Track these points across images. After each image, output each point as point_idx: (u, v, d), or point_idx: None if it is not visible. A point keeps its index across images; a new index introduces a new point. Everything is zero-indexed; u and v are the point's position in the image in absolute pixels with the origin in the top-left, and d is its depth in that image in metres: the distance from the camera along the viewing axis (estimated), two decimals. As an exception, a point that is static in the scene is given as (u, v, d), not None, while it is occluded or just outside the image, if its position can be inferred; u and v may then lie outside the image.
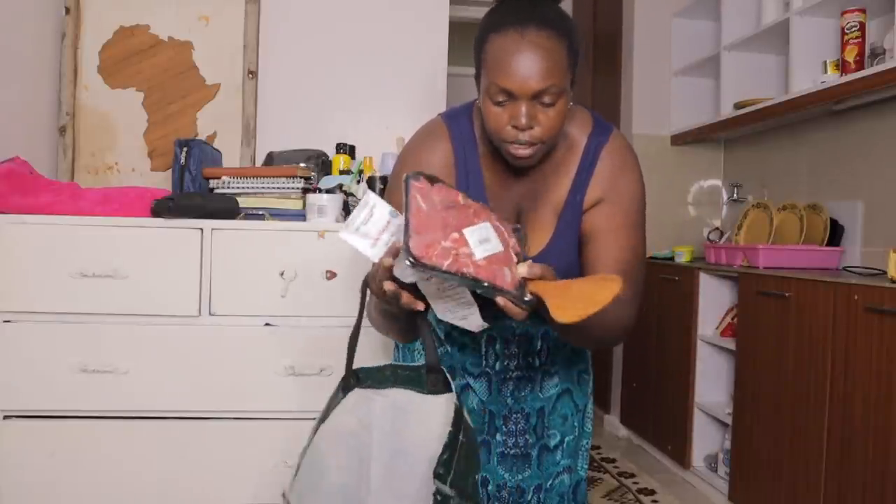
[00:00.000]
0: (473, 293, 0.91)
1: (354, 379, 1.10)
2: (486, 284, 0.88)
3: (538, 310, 0.92)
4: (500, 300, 0.90)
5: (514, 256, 0.93)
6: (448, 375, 1.07)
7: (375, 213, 0.91)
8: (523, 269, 0.92)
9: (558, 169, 1.17)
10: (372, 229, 0.93)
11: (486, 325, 0.95)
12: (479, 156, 1.18)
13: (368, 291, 1.06)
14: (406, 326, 1.07)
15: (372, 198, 0.90)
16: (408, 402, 1.06)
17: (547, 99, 1.02)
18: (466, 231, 0.92)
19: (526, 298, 0.90)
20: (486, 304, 0.94)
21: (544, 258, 1.15)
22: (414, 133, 1.24)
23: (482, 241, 0.92)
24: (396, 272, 0.91)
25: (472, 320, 0.95)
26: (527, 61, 1.01)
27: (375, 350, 1.71)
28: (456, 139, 1.17)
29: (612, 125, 1.20)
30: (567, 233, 1.17)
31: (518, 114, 1.03)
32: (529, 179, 1.17)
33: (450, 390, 1.05)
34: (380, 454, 1.02)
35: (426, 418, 1.04)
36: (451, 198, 0.95)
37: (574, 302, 0.86)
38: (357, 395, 1.08)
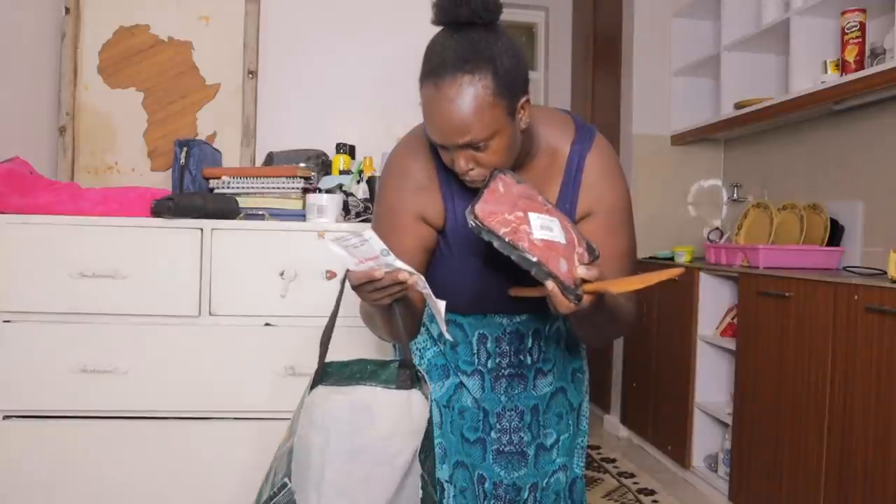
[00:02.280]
0: (527, 273, 0.96)
1: (323, 374, 1.09)
2: (534, 260, 0.93)
3: (582, 312, 0.97)
4: (549, 284, 0.94)
5: (575, 257, 0.98)
6: (419, 372, 1.09)
7: (367, 244, 0.93)
8: (582, 270, 0.96)
9: (544, 177, 1.18)
10: (358, 253, 0.95)
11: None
12: None
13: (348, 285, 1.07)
14: (390, 320, 1.10)
15: (368, 233, 0.92)
16: (370, 399, 1.05)
17: (479, 145, 1.03)
18: (531, 214, 0.98)
19: (578, 293, 0.94)
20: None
21: None
22: (400, 140, 1.25)
23: (544, 227, 0.97)
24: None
25: (441, 324, 1.04)
26: (444, 116, 1.01)
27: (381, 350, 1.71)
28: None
29: (593, 128, 1.21)
30: None
31: (455, 160, 1.05)
32: None
33: (418, 386, 1.07)
34: (334, 457, 1.00)
35: (389, 415, 1.04)
36: (529, 192, 1.01)
37: (638, 281, 0.96)
38: (318, 392, 1.07)
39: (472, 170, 1.05)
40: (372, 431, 1.02)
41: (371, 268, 0.95)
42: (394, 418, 1.03)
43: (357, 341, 1.68)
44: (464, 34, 1.03)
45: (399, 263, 0.95)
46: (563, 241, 0.98)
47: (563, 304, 0.94)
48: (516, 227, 0.96)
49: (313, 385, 1.09)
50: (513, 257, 0.95)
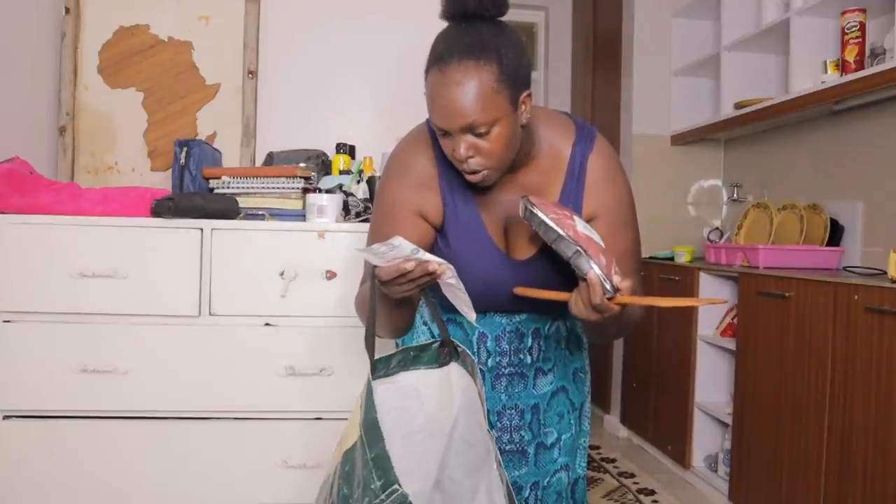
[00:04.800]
0: (567, 264, 1.02)
1: (374, 370, 1.11)
2: (581, 245, 0.99)
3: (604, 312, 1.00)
4: (591, 275, 0.98)
5: (614, 265, 1.02)
6: (458, 346, 1.16)
7: (397, 250, 0.96)
8: (617, 279, 0.99)
9: (546, 178, 1.19)
10: (389, 258, 0.97)
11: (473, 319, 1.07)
12: None
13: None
14: (398, 315, 1.12)
15: (398, 240, 0.94)
16: (416, 383, 1.11)
17: (480, 129, 1.04)
18: (576, 217, 1.05)
19: (614, 286, 0.98)
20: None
21: (536, 262, 1.17)
22: (402, 137, 1.26)
23: (586, 228, 1.04)
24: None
25: (469, 313, 1.06)
26: (448, 99, 1.03)
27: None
28: (438, 145, 1.18)
29: (594, 129, 1.22)
30: None
31: (456, 147, 1.06)
32: (517, 186, 1.19)
33: (456, 359, 1.14)
34: (392, 441, 1.02)
35: (434, 393, 1.10)
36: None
37: (675, 300, 1.04)
38: (367, 387, 1.09)
39: (472, 157, 1.06)
40: (421, 413, 1.07)
41: (400, 261, 0.97)
42: (438, 395, 1.09)
43: (361, 341, 1.68)
44: (471, 25, 1.05)
45: (429, 256, 0.97)
46: (602, 244, 1.03)
47: (598, 295, 0.97)
48: (562, 218, 1.02)
49: (369, 381, 1.10)
50: (555, 246, 1.00)
